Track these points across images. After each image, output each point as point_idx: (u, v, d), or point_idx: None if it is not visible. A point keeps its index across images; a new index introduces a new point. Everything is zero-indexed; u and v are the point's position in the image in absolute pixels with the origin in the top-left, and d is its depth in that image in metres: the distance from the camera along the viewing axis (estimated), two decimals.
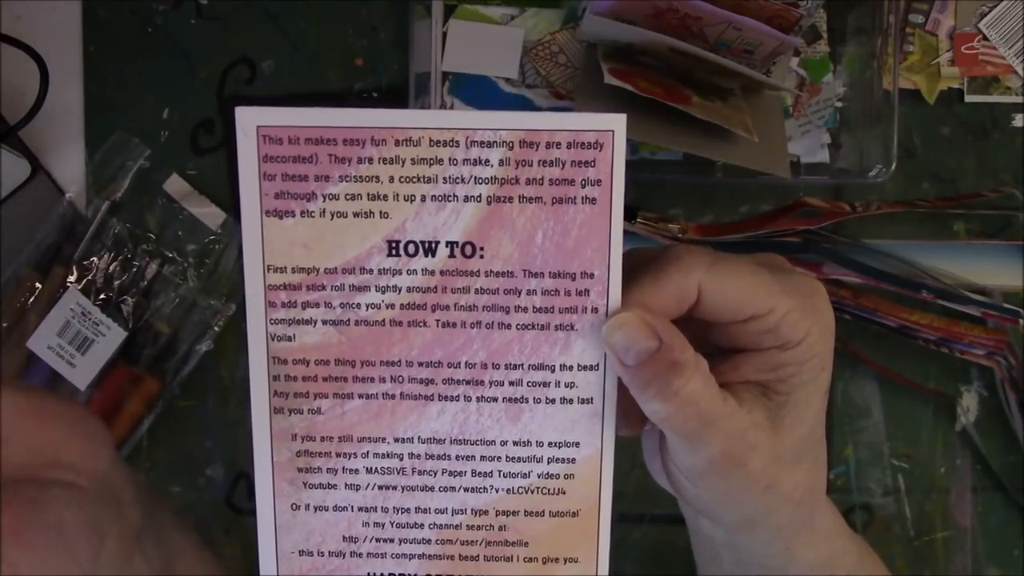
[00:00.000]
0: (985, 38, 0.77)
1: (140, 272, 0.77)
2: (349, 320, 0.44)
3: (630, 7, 0.69)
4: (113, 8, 0.78)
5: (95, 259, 0.77)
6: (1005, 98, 0.78)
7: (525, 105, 0.77)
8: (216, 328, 0.78)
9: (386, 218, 0.43)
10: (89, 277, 0.77)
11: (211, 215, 0.78)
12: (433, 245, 0.43)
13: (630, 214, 0.76)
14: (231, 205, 0.78)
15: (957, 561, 0.79)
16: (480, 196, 0.42)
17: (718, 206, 0.78)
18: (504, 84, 0.77)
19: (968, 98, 0.78)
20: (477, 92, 0.77)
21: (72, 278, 0.76)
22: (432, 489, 0.46)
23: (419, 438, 0.45)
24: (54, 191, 0.78)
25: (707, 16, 0.68)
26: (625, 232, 0.74)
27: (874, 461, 0.79)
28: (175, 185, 0.78)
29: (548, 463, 0.45)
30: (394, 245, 0.43)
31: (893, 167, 0.73)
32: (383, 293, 0.43)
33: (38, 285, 0.76)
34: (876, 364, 0.77)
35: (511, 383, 0.44)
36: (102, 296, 0.77)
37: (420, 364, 0.44)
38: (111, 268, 0.77)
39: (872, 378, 0.78)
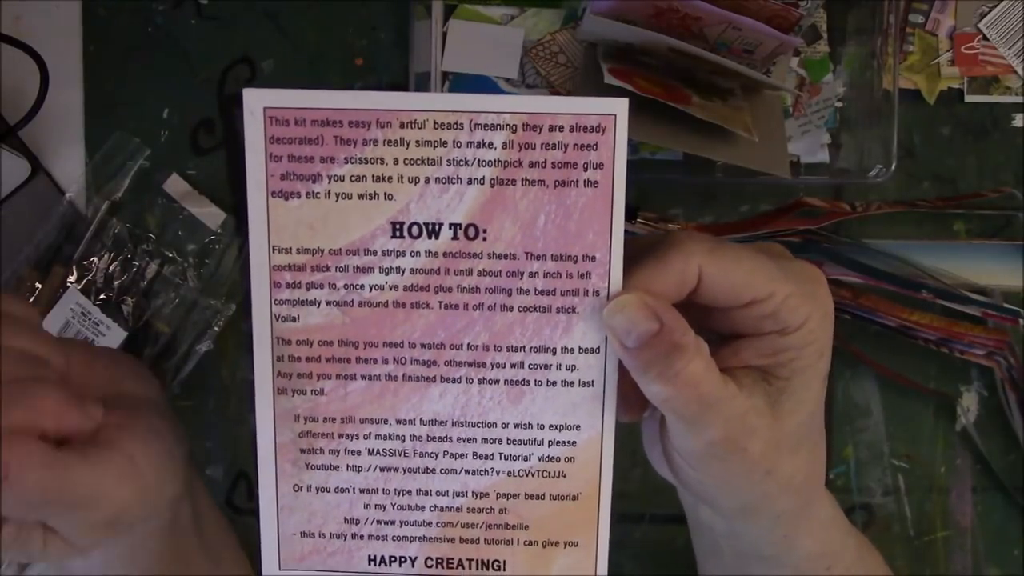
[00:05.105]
0: (985, 38, 0.77)
1: (140, 272, 0.77)
2: (353, 301, 0.44)
3: (630, 7, 0.69)
4: (113, 8, 0.78)
5: (95, 259, 0.77)
6: (1005, 98, 0.78)
7: None
8: (216, 328, 0.78)
9: (390, 200, 0.43)
10: (89, 277, 0.77)
11: (211, 215, 0.78)
12: (437, 227, 0.43)
13: (630, 214, 0.76)
14: (231, 205, 0.78)
15: (957, 561, 0.79)
16: (483, 179, 0.42)
17: (718, 206, 0.78)
18: (504, 84, 0.78)
19: (968, 98, 0.78)
20: (477, 92, 0.77)
21: (72, 278, 0.76)
22: (433, 471, 0.46)
23: (421, 420, 0.45)
24: (54, 191, 0.78)
25: (707, 16, 0.68)
26: (625, 231, 0.75)
27: (874, 461, 0.79)
28: (175, 185, 0.78)
29: (549, 446, 0.45)
30: (398, 227, 0.43)
31: (893, 167, 0.73)
32: (387, 275, 0.43)
33: (38, 285, 0.76)
34: (876, 364, 0.77)
35: (512, 365, 0.44)
36: (102, 296, 0.77)
37: (423, 346, 0.44)
38: (111, 268, 0.77)
39: (872, 378, 0.78)
